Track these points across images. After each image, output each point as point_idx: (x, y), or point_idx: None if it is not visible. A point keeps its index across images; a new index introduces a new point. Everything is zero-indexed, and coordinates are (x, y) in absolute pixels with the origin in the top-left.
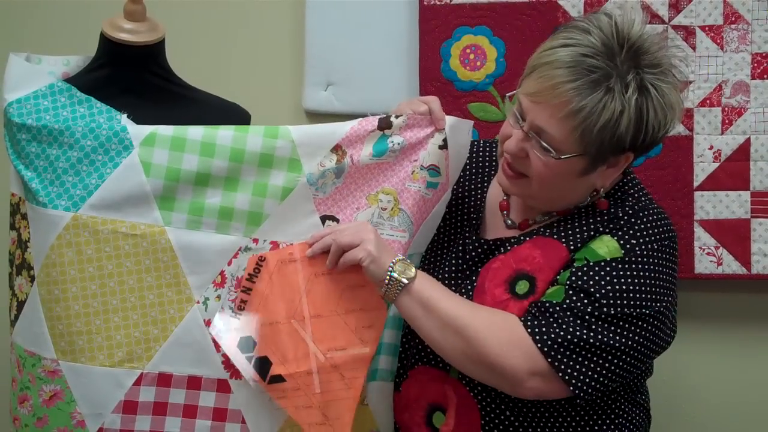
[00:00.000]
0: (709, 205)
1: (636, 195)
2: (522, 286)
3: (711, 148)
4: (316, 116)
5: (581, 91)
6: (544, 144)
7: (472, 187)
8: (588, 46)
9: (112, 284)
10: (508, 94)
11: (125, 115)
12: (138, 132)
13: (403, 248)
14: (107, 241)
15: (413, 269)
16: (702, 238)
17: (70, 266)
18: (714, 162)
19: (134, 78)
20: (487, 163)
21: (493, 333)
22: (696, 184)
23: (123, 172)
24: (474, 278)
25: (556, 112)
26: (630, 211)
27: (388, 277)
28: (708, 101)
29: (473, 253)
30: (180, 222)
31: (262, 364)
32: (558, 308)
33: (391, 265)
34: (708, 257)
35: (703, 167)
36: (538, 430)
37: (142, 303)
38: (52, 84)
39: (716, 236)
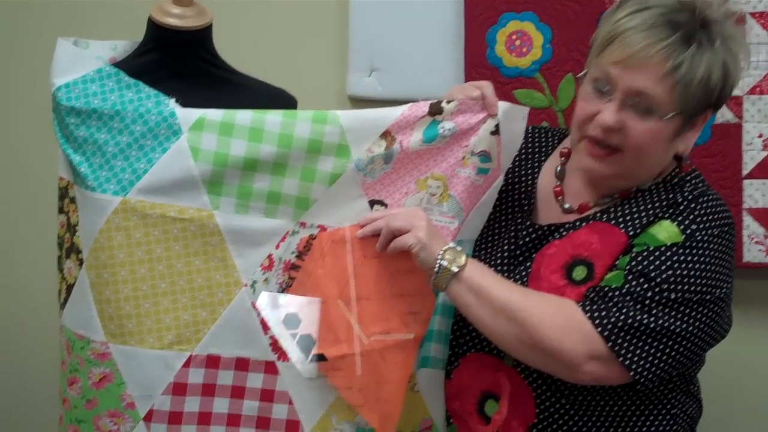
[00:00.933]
0: (758, 193)
1: (693, 181)
2: (579, 272)
3: (760, 136)
4: (360, 102)
5: (676, 48)
6: (646, 106)
7: (522, 173)
8: (666, 5)
9: (161, 268)
10: (579, 75)
11: (173, 100)
12: (187, 117)
13: (452, 234)
14: (156, 225)
15: (463, 257)
16: (751, 226)
17: (119, 250)
18: (763, 150)
19: (182, 63)
20: (536, 149)
21: (548, 317)
22: (745, 172)
23: (171, 157)
24: (528, 264)
25: (655, 72)
26: (689, 197)
27: (437, 266)
28: (758, 89)
29: (527, 239)
30: (228, 206)
31: (306, 342)
32: (617, 293)
33: (441, 253)
34: (756, 246)
35: (752, 155)
36: (593, 419)
37: (191, 286)
38: (100, 69)
39: (765, 225)
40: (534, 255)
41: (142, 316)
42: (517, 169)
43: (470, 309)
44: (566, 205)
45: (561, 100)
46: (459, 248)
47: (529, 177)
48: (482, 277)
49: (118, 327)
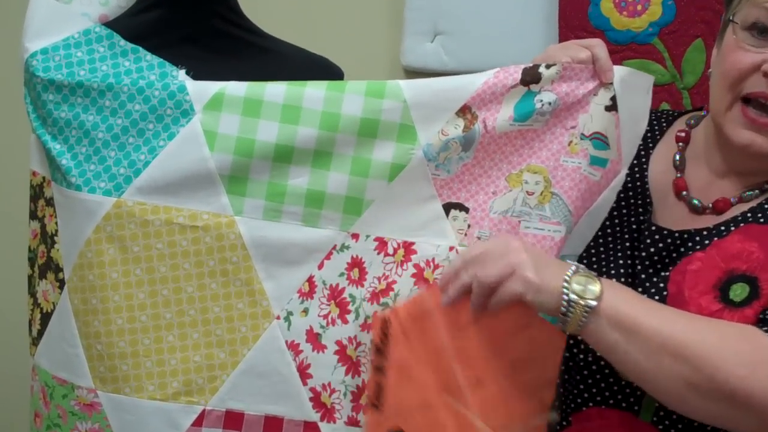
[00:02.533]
0: None
1: None
2: (738, 291)
3: None
4: (419, 75)
5: None
6: None
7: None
8: None
9: (166, 292)
10: (725, 20)
11: (183, 71)
12: (200, 92)
13: (557, 247)
14: (159, 234)
15: (596, 281)
16: None
17: (112, 268)
18: None
19: (196, 22)
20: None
21: (729, 349)
22: None
23: (180, 146)
24: (662, 285)
25: None
26: None
27: (565, 304)
28: None
29: (652, 250)
30: (255, 210)
31: None
32: None
33: (566, 284)
34: None
35: None
36: None
37: (205, 318)
38: (89, 29)
39: None
40: (667, 272)
41: (140, 355)
42: None
43: (617, 350)
44: (695, 202)
45: (687, 75)
46: (584, 269)
47: (636, 169)
48: (628, 304)
49: (109, 370)
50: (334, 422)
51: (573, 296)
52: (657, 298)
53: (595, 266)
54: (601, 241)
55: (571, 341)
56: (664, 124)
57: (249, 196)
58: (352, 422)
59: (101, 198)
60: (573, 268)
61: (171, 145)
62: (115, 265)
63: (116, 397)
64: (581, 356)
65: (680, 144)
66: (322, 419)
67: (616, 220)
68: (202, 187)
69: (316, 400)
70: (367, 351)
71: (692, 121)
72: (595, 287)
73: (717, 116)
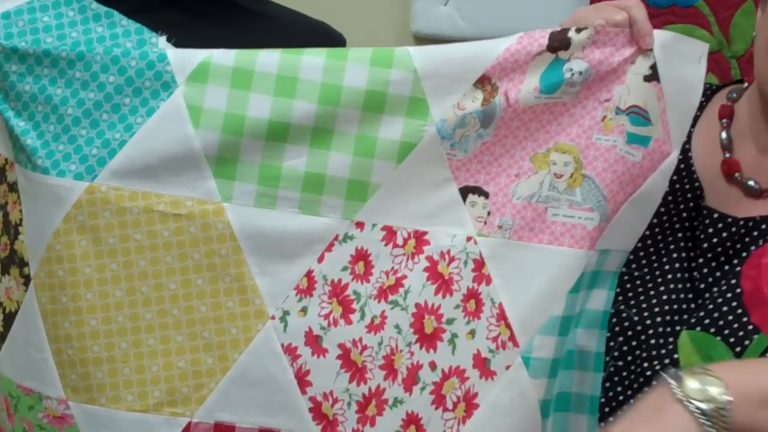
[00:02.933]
0: None
1: None
2: None
3: None
4: (431, 42)
5: None
6: None
7: None
8: None
9: (146, 289)
10: None
11: (164, 37)
12: (183, 61)
13: (590, 238)
14: (138, 224)
15: (704, 374)
16: None
17: (84, 262)
18: None
19: None
20: None
21: None
22: None
23: (161, 122)
24: (733, 281)
25: None
26: None
27: (705, 421)
28: None
29: (714, 240)
30: (245, 196)
31: None
32: None
33: (687, 403)
34: None
35: None
36: None
37: (190, 318)
38: None
39: None
40: (732, 264)
41: (117, 361)
42: None
43: None
44: (750, 184)
45: (735, 41)
46: (688, 374)
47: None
48: (753, 374)
49: (82, 378)
50: None
51: (703, 406)
52: (729, 295)
53: (645, 261)
54: (651, 232)
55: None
56: (703, 100)
57: (239, 180)
58: None
59: (71, 182)
60: (672, 383)
61: (150, 121)
62: (87, 258)
63: (90, 408)
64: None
65: (724, 120)
66: None
67: (668, 207)
68: (185, 170)
69: (317, 410)
70: (374, 355)
71: (734, 95)
72: (713, 381)
73: (764, 86)
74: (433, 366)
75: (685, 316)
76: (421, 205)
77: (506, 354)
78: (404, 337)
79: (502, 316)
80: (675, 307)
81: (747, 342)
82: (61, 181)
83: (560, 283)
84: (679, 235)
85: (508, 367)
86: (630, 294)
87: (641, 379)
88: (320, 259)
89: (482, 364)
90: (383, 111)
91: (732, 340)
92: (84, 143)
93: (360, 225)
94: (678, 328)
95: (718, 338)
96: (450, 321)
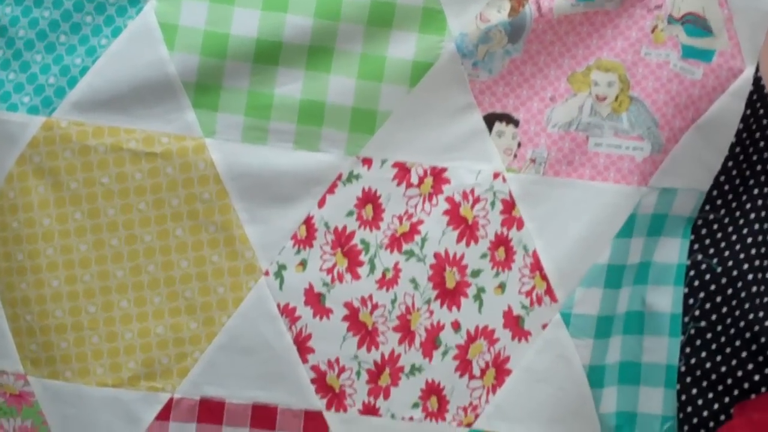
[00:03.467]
0: None
1: None
2: None
3: None
4: None
5: None
6: None
7: None
8: None
9: (116, 243)
10: None
11: None
12: None
13: (640, 172)
14: (105, 165)
15: None
16: None
17: (43, 211)
18: None
19: None
20: None
21: None
22: None
23: (129, 44)
24: None
25: None
26: None
27: None
28: None
29: None
30: (231, 130)
31: None
32: None
33: None
34: None
35: None
36: None
37: (169, 276)
38: None
39: None
40: None
41: (84, 328)
42: None
43: None
44: None
45: None
46: None
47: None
48: None
49: (44, 348)
50: (345, 411)
51: None
52: None
53: (721, 202)
54: (725, 167)
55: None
56: None
57: (223, 111)
58: (369, 410)
59: (25, 117)
60: None
61: (116, 43)
62: (46, 207)
63: (54, 384)
64: None
65: None
66: (328, 407)
67: (743, 137)
68: (159, 101)
69: (320, 382)
70: (386, 315)
71: None
72: None
73: None
74: (456, 326)
75: None
76: (439, 136)
77: (542, 310)
78: (422, 294)
79: (536, 266)
80: (764, 250)
81: None
82: (12, 116)
83: (604, 226)
84: (758, 168)
85: (544, 326)
86: (708, 241)
87: (737, 342)
88: (321, 203)
89: (514, 323)
90: (392, 25)
91: None
92: (39, 71)
93: (367, 162)
94: None
95: None
96: (475, 273)
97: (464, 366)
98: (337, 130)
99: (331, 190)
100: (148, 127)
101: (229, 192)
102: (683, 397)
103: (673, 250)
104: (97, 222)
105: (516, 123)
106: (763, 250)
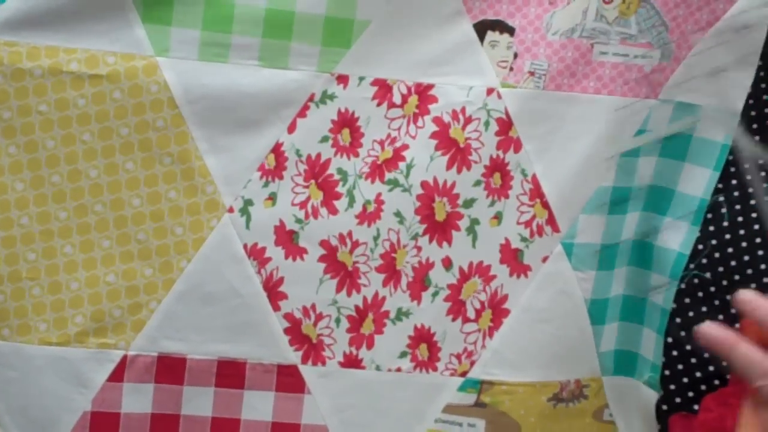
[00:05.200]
0: None
1: None
2: None
3: None
4: None
5: None
6: None
7: None
8: None
9: (57, 179)
10: None
11: None
12: None
13: (648, 83)
14: (42, 91)
15: None
16: None
17: None
18: None
19: None
20: None
21: None
22: None
23: None
24: None
25: None
26: None
27: None
28: None
29: None
30: (187, 47)
31: None
32: None
33: None
34: None
35: None
36: None
37: (119, 216)
38: None
39: None
40: None
41: (23, 278)
42: None
43: None
44: None
45: None
46: None
47: None
48: None
49: None
50: (323, 363)
51: None
52: None
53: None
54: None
55: None
56: None
57: (177, 26)
58: (351, 362)
59: None
60: None
61: None
62: None
63: None
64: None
65: None
66: (304, 360)
67: None
68: (104, 15)
69: (295, 331)
70: (368, 254)
71: None
72: None
73: None
74: (447, 264)
75: None
76: (424, 49)
77: (543, 242)
78: (408, 228)
79: (537, 193)
80: None
81: None
82: None
83: (610, 145)
84: None
85: (545, 259)
86: (735, 182)
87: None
88: (291, 128)
89: (512, 257)
90: None
91: None
92: None
93: (343, 79)
94: None
95: None
96: (468, 203)
97: (457, 308)
98: (309, 44)
99: (302, 113)
100: (92, 45)
101: (186, 118)
102: (674, 353)
103: (698, 182)
104: (35, 156)
105: (511, 31)
106: None
